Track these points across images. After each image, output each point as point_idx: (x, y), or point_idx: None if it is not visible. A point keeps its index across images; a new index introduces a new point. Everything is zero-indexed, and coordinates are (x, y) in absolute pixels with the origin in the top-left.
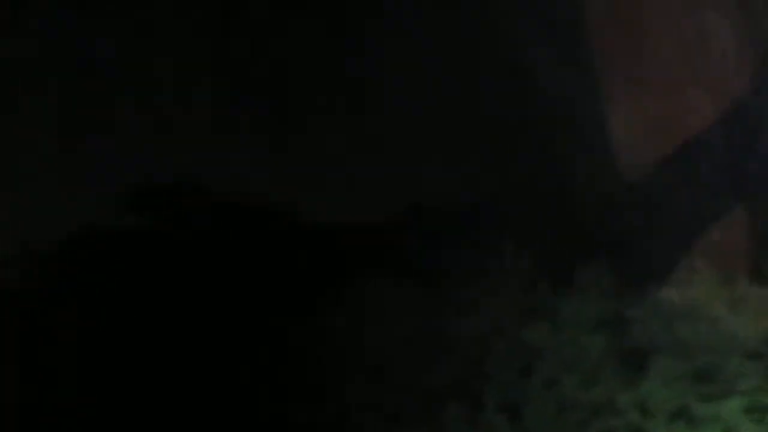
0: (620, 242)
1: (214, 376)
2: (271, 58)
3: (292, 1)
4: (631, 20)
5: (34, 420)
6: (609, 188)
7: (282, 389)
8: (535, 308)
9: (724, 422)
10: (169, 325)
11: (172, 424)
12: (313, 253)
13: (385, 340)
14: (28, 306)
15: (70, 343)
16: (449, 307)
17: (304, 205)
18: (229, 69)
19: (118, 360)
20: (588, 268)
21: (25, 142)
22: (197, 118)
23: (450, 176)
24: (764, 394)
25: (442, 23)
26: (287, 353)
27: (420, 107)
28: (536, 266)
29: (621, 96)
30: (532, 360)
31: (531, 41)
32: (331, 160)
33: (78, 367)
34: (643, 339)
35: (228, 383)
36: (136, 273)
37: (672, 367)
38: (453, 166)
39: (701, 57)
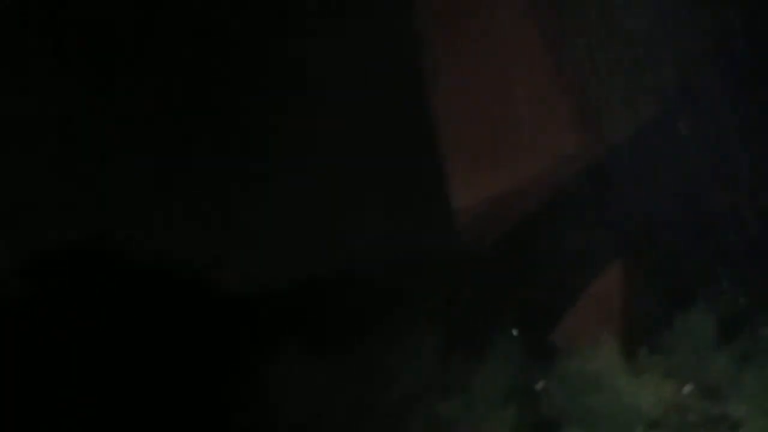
0: (527, 310)
1: None
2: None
3: None
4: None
5: None
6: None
7: None
8: (447, 382)
9: None
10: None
11: None
12: (224, 321)
13: (299, 413)
14: None
15: None
16: (364, 378)
17: (217, 270)
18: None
19: None
20: (497, 337)
21: None
22: (107, 176)
23: (358, 243)
24: None
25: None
26: (195, 426)
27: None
28: (447, 337)
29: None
30: None
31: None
32: (244, 225)
33: None
34: (552, 411)
35: None
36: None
37: None
38: (358, 233)
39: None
